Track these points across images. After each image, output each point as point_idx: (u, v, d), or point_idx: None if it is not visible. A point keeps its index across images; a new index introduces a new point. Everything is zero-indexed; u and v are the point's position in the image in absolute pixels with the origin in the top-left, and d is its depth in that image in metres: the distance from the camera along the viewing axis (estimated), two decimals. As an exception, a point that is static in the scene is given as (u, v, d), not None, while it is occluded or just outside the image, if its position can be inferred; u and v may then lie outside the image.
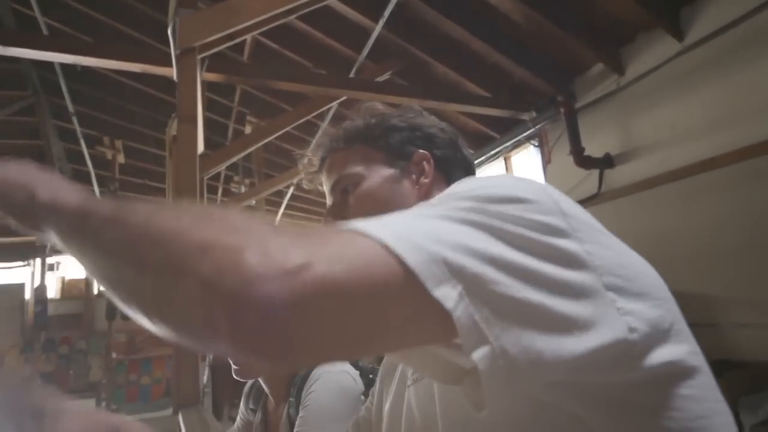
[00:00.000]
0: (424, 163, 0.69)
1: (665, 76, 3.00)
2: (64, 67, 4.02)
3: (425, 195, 0.67)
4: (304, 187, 0.80)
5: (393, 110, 0.74)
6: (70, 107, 4.50)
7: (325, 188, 0.74)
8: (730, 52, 2.65)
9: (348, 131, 0.72)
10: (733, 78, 2.65)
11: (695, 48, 2.78)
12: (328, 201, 0.73)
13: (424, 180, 0.68)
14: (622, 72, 3.32)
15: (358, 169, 0.69)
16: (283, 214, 7.00)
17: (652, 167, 3.10)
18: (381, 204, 0.66)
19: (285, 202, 6.49)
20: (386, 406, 0.69)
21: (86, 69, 4.14)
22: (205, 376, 2.46)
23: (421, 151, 0.69)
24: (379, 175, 0.68)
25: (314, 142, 0.77)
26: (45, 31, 3.44)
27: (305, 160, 0.76)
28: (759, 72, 2.53)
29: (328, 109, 4.05)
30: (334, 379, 1.00)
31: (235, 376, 1.07)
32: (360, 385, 1.01)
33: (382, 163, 0.69)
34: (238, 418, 1.23)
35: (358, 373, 1.04)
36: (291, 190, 6.08)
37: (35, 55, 2.74)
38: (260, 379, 1.13)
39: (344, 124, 0.74)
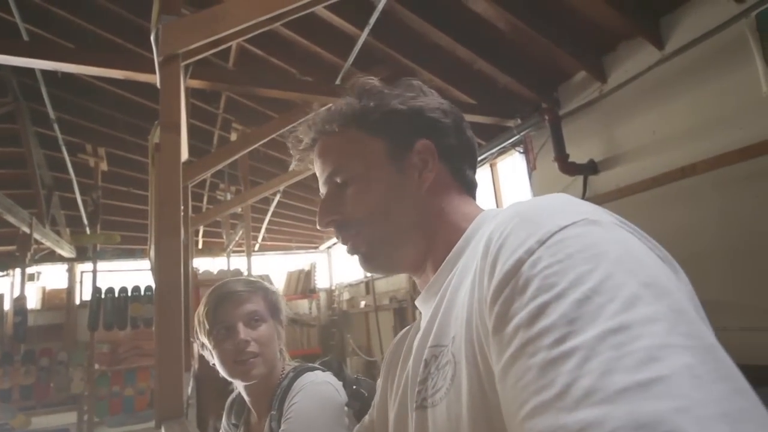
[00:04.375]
0: (427, 154, 0.63)
1: (646, 84, 3.05)
2: (45, 73, 3.97)
3: (429, 190, 0.62)
4: (295, 168, 0.76)
5: (391, 88, 0.67)
6: (51, 114, 4.43)
7: (318, 173, 0.68)
8: (708, 61, 2.71)
9: (343, 113, 0.65)
10: (711, 86, 2.71)
11: (675, 56, 2.84)
12: (321, 188, 0.68)
13: (428, 174, 0.62)
14: (605, 80, 3.37)
15: (356, 160, 0.63)
16: (270, 221, 6.96)
17: (635, 173, 3.14)
18: (382, 203, 0.61)
19: (271, 209, 6.46)
20: (391, 415, 0.64)
21: (68, 75, 4.08)
22: (189, 387, 2.42)
23: (424, 140, 0.63)
24: (379, 169, 0.62)
25: (305, 120, 0.69)
26: (25, 37, 3.39)
27: (294, 139, 0.70)
28: (736, 80, 2.58)
29: (314, 116, 4.04)
30: (316, 390, 0.98)
31: (229, 378, 1.05)
32: (343, 396, 0.99)
33: (381, 153, 0.63)
34: None
35: (341, 383, 1.03)
36: (277, 198, 6.05)
37: (15, 62, 2.70)
38: (242, 392, 1.11)
39: (338, 104, 0.67)
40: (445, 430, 0.48)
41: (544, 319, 0.33)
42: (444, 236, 0.61)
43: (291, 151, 0.71)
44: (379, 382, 0.73)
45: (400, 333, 0.74)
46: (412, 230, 0.62)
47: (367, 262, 0.64)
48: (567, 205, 0.41)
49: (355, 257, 0.65)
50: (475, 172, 0.69)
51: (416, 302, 0.65)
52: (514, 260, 0.38)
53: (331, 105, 0.69)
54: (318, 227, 0.67)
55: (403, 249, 0.63)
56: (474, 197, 0.68)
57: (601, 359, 0.29)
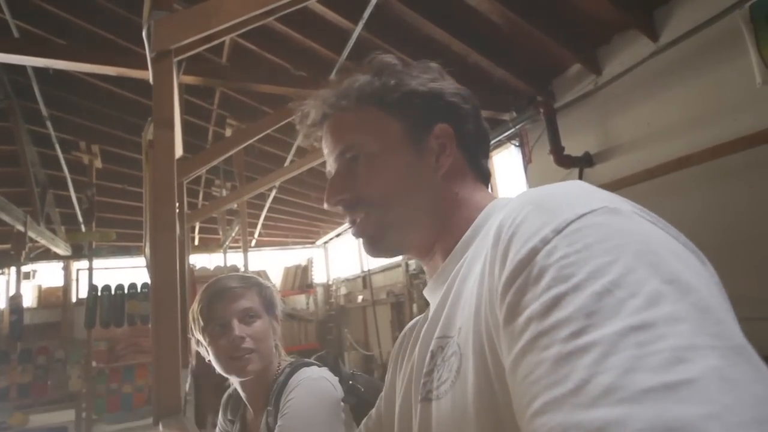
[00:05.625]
0: (445, 139, 0.61)
1: (641, 76, 3.06)
2: (37, 70, 3.93)
3: (445, 176, 0.60)
4: (301, 144, 0.71)
5: (409, 68, 0.65)
6: (44, 111, 4.39)
7: (326, 150, 0.65)
8: (702, 52, 2.71)
9: (361, 89, 0.62)
10: (705, 77, 2.71)
11: (669, 48, 2.84)
12: (330, 166, 0.65)
13: (445, 159, 0.60)
14: (600, 72, 3.37)
15: (372, 138, 0.60)
16: (266, 217, 6.95)
17: (630, 165, 3.15)
18: (396, 184, 0.59)
19: (267, 205, 6.44)
20: (397, 408, 0.62)
21: (60, 72, 4.05)
22: (187, 384, 2.42)
23: (443, 124, 0.61)
24: (396, 149, 0.60)
25: (316, 94, 0.66)
26: (16, 34, 3.36)
27: (301, 114, 0.67)
28: (730, 71, 2.58)
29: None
30: (312, 385, 0.98)
31: (225, 374, 1.05)
32: (339, 391, 1.00)
33: (399, 134, 0.61)
34: (216, 430, 1.21)
35: (337, 379, 1.03)
36: (273, 193, 6.04)
37: (6, 59, 2.67)
38: (238, 388, 1.12)
39: (355, 79, 0.63)
40: (448, 423, 0.46)
41: (560, 311, 0.31)
42: (455, 223, 0.60)
43: (297, 126, 0.68)
44: (388, 376, 0.72)
45: (408, 325, 0.73)
46: (424, 215, 0.60)
47: (373, 246, 0.62)
48: (584, 193, 0.39)
49: (360, 240, 0.63)
50: (488, 162, 0.68)
51: (424, 292, 0.64)
52: (527, 249, 0.36)
53: (345, 79, 0.66)
54: (325, 206, 0.64)
55: (412, 234, 0.61)
56: (487, 186, 0.66)
57: (622, 356, 0.27)
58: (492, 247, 0.42)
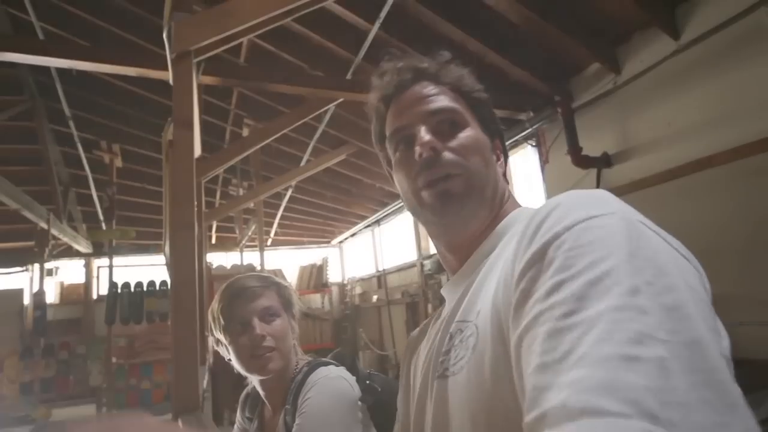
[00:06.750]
0: (500, 152, 0.71)
1: (662, 75, 3.00)
2: (61, 71, 4.02)
3: (502, 176, 0.69)
4: (374, 84, 0.73)
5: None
6: (67, 111, 4.49)
7: (415, 102, 0.67)
8: (725, 51, 2.66)
9: (463, 80, 0.71)
10: (728, 76, 2.65)
11: (691, 47, 2.79)
12: (414, 117, 0.66)
13: (501, 165, 0.70)
14: (619, 71, 3.32)
15: (468, 117, 0.67)
16: (282, 216, 7.00)
17: (650, 166, 3.10)
18: (483, 162, 0.65)
19: (283, 204, 6.49)
20: (415, 395, 0.66)
21: (83, 73, 4.13)
22: (205, 381, 2.45)
23: (497, 140, 0.71)
24: (482, 136, 0.67)
25: (419, 59, 0.73)
26: (41, 36, 3.44)
27: (394, 66, 0.73)
28: (754, 70, 2.53)
29: (326, 111, 4.05)
30: (330, 384, 0.99)
31: (245, 373, 1.07)
32: (357, 390, 1.00)
33: (480, 127, 0.69)
34: (234, 427, 1.22)
35: (354, 378, 1.03)
36: (289, 193, 6.08)
37: (31, 60, 2.74)
38: (257, 386, 1.12)
39: (460, 71, 0.72)
40: (463, 396, 0.51)
41: (557, 295, 0.38)
42: (498, 218, 0.65)
43: (384, 64, 0.74)
44: (402, 380, 0.75)
45: (415, 330, 0.77)
46: (492, 197, 0.65)
47: (451, 199, 0.62)
48: (600, 201, 0.45)
49: (440, 194, 0.62)
50: None
51: (442, 291, 0.69)
52: (542, 242, 0.42)
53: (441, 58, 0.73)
54: (421, 149, 0.63)
55: (482, 210, 0.64)
56: None
57: (597, 331, 0.33)
58: (518, 242, 0.47)
